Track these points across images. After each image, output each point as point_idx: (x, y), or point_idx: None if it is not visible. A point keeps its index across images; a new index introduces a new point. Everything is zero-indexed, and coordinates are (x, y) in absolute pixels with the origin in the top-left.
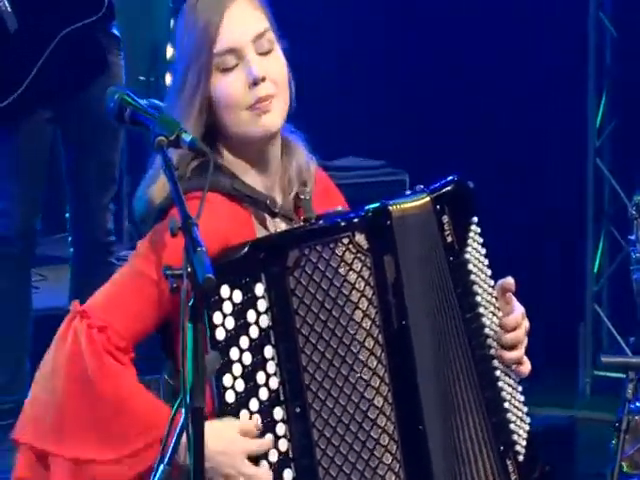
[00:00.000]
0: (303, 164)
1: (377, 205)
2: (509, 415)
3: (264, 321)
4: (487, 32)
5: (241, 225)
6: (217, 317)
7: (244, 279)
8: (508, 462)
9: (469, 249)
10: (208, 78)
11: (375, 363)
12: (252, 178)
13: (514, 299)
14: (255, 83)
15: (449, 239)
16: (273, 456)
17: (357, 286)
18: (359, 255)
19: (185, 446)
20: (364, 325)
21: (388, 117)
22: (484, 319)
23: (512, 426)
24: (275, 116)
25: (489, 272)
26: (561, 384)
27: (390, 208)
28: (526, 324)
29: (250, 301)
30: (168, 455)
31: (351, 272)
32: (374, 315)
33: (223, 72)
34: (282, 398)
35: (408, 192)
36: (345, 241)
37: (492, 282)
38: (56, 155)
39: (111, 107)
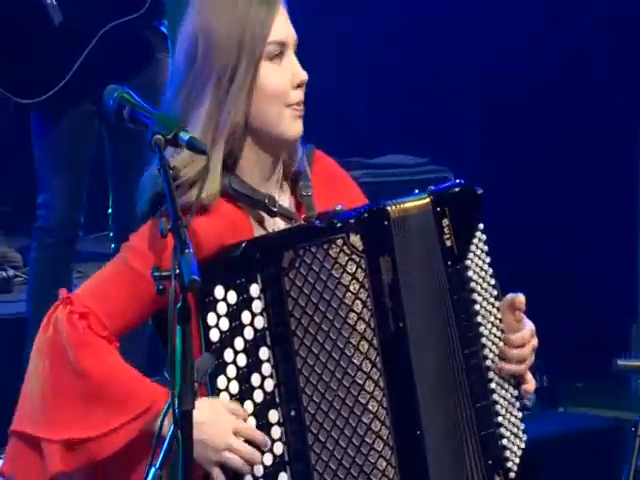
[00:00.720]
0: (302, 159)
1: (375, 205)
2: (502, 430)
3: (259, 322)
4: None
5: (238, 225)
6: (211, 318)
7: (239, 279)
8: (497, 478)
9: (471, 256)
10: (258, 67)
11: (369, 367)
12: (252, 176)
13: (524, 317)
14: (300, 85)
15: (448, 243)
16: (268, 459)
17: (351, 288)
18: (353, 256)
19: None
20: (358, 328)
21: (432, 113)
22: (482, 329)
23: (504, 441)
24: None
25: (493, 282)
26: (614, 386)
27: (388, 209)
28: (534, 342)
29: (245, 302)
30: (160, 459)
31: (345, 274)
32: (368, 318)
33: (272, 60)
34: (277, 400)
35: (417, 191)
36: (339, 242)
37: (495, 292)
38: (101, 151)
39: (110, 105)
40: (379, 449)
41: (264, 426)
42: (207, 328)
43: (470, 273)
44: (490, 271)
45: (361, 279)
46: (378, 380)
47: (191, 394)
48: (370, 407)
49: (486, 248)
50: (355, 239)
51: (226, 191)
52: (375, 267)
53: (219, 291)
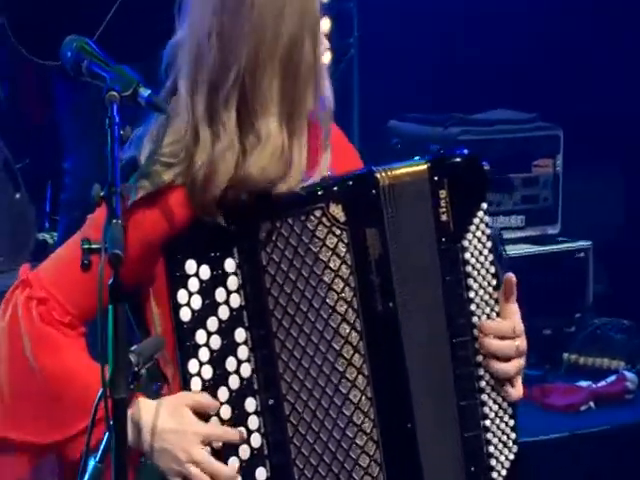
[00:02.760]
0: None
1: (362, 171)
2: (488, 435)
3: (235, 301)
4: None
5: None
6: (182, 295)
7: (213, 253)
8: None
9: (470, 237)
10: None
11: (351, 353)
12: None
13: (516, 306)
14: None
15: (444, 217)
16: (245, 453)
17: (331, 265)
18: (334, 229)
19: (133, 428)
20: (338, 309)
21: (542, 64)
22: (475, 319)
23: (490, 448)
24: None
25: (493, 270)
26: None
27: (377, 175)
28: (522, 345)
29: (220, 278)
30: (100, 452)
31: (324, 249)
32: (351, 298)
33: None
34: (255, 387)
35: (417, 158)
36: (317, 213)
37: (494, 282)
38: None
39: (68, 57)
40: (361, 444)
41: (240, 416)
42: (177, 307)
43: (467, 256)
44: (490, 257)
45: (342, 254)
46: (361, 367)
47: (124, 381)
48: (352, 397)
49: (488, 231)
50: (336, 209)
51: None
52: (359, 241)
53: (191, 265)
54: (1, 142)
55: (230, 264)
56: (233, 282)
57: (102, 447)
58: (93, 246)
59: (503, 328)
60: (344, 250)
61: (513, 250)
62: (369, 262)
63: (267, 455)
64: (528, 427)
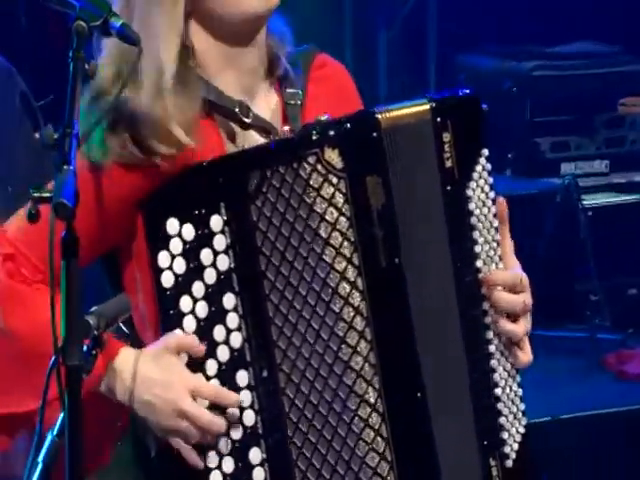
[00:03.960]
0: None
1: (361, 112)
2: (499, 405)
3: (223, 262)
4: None
5: (204, 142)
6: (163, 258)
7: (197, 210)
8: (492, 462)
9: (473, 185)
10: None
11: (352, 314)
12: (225, 79)
13: (511, 247)
14: None
15: (448, 163)
16: (237, 433)
17: (327, 217)
18: (330, 177)
19: (120, 385)
20: (337, 267)
21: None
22: (481, 275)
23: (502, 420)
24: None
25: (495, 223)
26: None
27: (378, 116)
28: (528, 300)
29: (205, 238)
30: (58, 425)
31: (319, 199)
32: (350, 253)
33: None
34: (247, 359)
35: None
36: (311, 160)
37: (498, 236)
38: None
39: None
40: (364, 416)
41: (231, 391)
42: (158, 271)
43: (472, 206)
44: (493, 210)
45: (340, 205)
46: (364, 331)
47: (78, 346)
48: (353, 365)
49: (491, 180)
50: (332, 155)
51: None
52: (359, 190)
53: (172, 225)
54: (19, 76)
55: (216, 222)
56: (220, 242)
57: (60, 420)
58: (43, 195)
59: (510, 278)
60: (342, 200)
61: (594, 200)
62: (371, 213)
63: (262, 434)
64: (600, 397)
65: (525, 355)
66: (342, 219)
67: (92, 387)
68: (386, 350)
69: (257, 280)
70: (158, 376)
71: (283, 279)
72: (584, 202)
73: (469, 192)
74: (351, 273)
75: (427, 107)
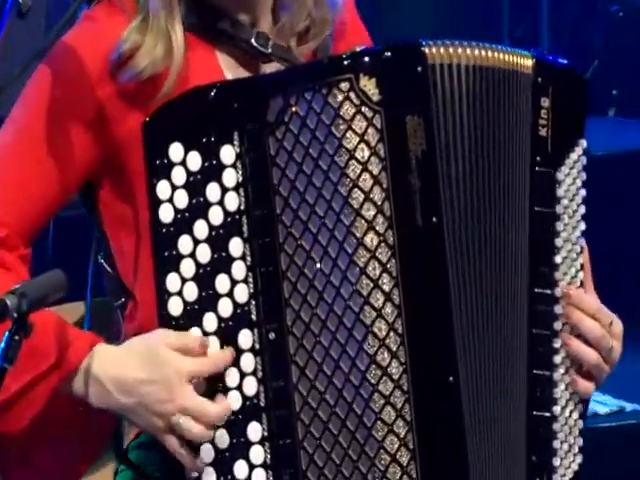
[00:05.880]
0: None
1: (404, 43)
2: (555, 426)
3: (232, 201)
4: None
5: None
6: (163, 189)
7: (206, 137)
8: None
9: (565, 171)
10: None
11: (378, 272)
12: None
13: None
14: None
15: (542, 132)
16: (235, 402)
17: (357, 155)
18: (364, 109)
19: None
20: (365, 214)
21: None
22: (557, 274)
23: (555, 443)
24: None
25: (582, 226)
26: None
27: (425, 49)
28: (617, 347)
29: (213, 170)
30: None
31: (350, 133)
32: (382, 201)
33: None
34: (253, 317)
35: None
36: (344, 86)
37: (580, 241)
38: None
39: None
40: (385, 392)
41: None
42: (156, 204)
43: (560, 192)
44: (582, 209)
45: (373, 143)
46: (391, 292)
47: None
48: (376, 331)
49: (584, 177)
50: (367, 84)
51: (193, 29)
52: (397, 129)
53: (176, 150)
54: None
55: (228, 153)
56: (231, 177)
57: None
58: None
59: (595, 307)
60: (376, 138)
61: None
62: (408, 159)
63: (264, 407)
64: None
65: (586, 385)
66: (374, 160)
67: (60, 382)
68: (416, 319)
69: (271, 225)
70: (146, 376)
71: (301, 225)
72: None
73: (560, 175)
74: (381, 224)
75: (530, 62)
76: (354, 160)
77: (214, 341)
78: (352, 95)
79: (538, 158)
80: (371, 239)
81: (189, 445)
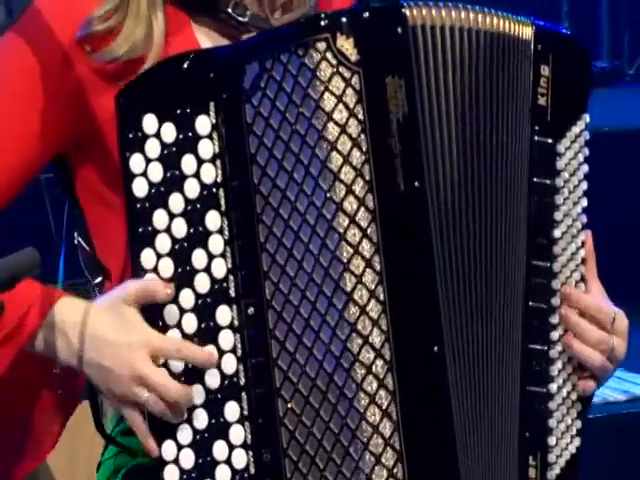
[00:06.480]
0: None
1: (384, 5)
2: (551, 405)
3: (208, 173)
4: None
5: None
6: (136, 162)
7: (181, 108)
8: (531, 461)
9: (566, 144)
10: None
11: (358, 237)
12: None
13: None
14: None
15: (541, 101)
16: (213, 381)
17: (336, 117)
18: (341, 70)
19: (63, 343)
20: (343, 177)
21: None
22: (556, 249)
23: (551, 422)
24: None
25: (584, 203)
26: None
27: (405, 11)
28: (620, 347)
29: (188, 142)
30: None
31: (327, 94)
32: (361, 164)
33: None
34: (232, 293)
35: None
36: (320, 46)
37: (581, 225)
38: None
39: None
40: (367, 362)
41: (209, 330)
42: (130, 177)
43: (560, 165)
44: (584, 186)
45: (352, 105)
46: (371, 259)
47: None
48: (357, 298)
49: (587, 152)
50: (345, 44)
51: None
52: (376, 91)
53: (150, 122)
54: None
55: (204, 123)
56: (207, 148)
57: None
58: None
59: (594, 307)
60: (354, 100)
61: None
62: (388, 122)
63: (243, 385)
64: None
65: (588, 383)
66: (353, 122)
67: (22, 346)
68: (398, 287)
69: (248, 197)
70: (112, 333)
71: (279, 193)
72: None
73: (560, 148)
74: (360, 187)
75: (530, 30)
76: (332, 122)
77: (191, 319)
78: (329, 55)
79: (537, 127)
80: (350, 203)
81: (160, 425)
